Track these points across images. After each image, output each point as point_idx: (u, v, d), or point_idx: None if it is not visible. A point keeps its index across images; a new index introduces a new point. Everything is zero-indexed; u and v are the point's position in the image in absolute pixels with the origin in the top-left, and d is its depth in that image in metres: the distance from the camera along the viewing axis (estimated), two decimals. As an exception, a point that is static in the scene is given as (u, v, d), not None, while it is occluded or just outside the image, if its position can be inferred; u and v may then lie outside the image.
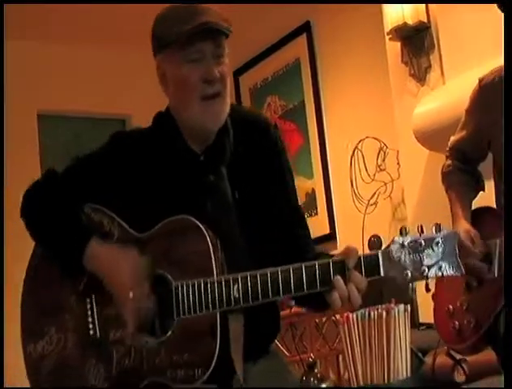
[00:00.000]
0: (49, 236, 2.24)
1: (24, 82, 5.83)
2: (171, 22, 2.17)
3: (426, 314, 3.68)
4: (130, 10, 5.58)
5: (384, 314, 1.61)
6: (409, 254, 1.93)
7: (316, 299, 2.11)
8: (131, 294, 2.10)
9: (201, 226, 2.08)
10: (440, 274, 1.92)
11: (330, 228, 5.61)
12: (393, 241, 1.94)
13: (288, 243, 2.29)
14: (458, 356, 3.27)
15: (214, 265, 2.06)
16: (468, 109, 2.99)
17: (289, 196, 2.35)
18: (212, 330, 2.04)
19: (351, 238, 5.22)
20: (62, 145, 5.75)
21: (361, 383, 1.61)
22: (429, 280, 2.12)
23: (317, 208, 5.66)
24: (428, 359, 3.53)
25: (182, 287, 2.08)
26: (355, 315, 1.64)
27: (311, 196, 5.63)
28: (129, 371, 2.11)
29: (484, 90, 2.91)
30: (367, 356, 1.61)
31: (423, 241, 1.92)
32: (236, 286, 2.03)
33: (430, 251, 1.92)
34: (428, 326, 3.67)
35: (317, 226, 5.47)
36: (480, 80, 2.94)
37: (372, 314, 1.63)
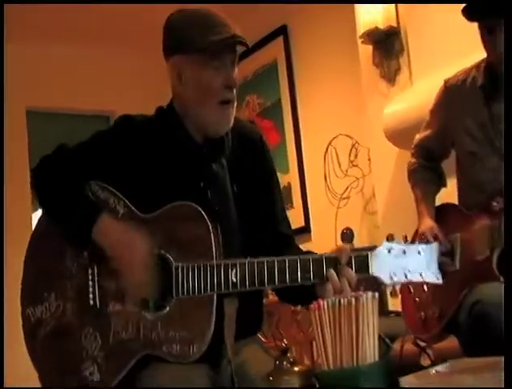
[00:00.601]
0: (61, 207, 2.24)
1: (13, 79, 5.80)
2: (198, 29, 2.23)
3: (395, 303, 3.73)
4: (116, 10, 5.55)
5: (353, 301, 1.64)
6: (395, 257, 2.03)
7: (299, 295, 2.20)
8: (136, 271, 2.12)
9: (203, 214, 2.13)
10: (421, 279, 2.03)
11: (305, 221, 5.62)
12: (381, 245, 2.04)
13: (276, 238, 2.38)
14: (423, 344, 3.33)
15: (214, 251, 2.11)
16: (433, 109, 3.01)
17: (278, 198, 2.47)
18: (209, 310, 2.09)
19: (324, 231, 5.29)
20: (50, 141, 5.71)
21: (331, 366, 1.64)
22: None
23: (292, 202, 5.69)
24: (396, 345, 3.58)
25: (183, 268, 2.12)
26: (326, 302, 1.67)
27: (287, 190, 5.64)
28: (125, 343, 2.13)
29: (449, 91, 2.92)
30: (337, 340, 1.63)
31: (407, 249, 2.03)
32: (234, 271, 2.08)
33: (413, 258, 2.03)
34: (397, 314, 3.72)
35: (292, 219, 5.43)
36: (445, 82, 2.96)
37: (342, 301, 1.65)
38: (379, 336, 1.68)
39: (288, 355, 1.75)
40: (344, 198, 5.26)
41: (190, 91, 2.26)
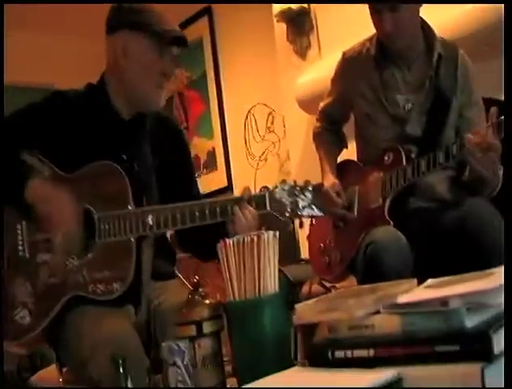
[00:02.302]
0: None
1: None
2: (152, 14, 2.23)
3: (306, 252, 3.79)
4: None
5: (255, 238, 1.65)
6: (288, 196, 2.12)
7: (202, 249, 2.25)
8: (63, 225, 2.11)
9: (120, 169, 2.14)
10: (311, 213, 2.14)
11: (228, 181, 5.64)
12: (276, 187, 2.14)
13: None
14: (328, 285, 3.39)
15: (131, 200, 2.14)
16: (333, 79, 2.98)
17: (191, 169, 2.53)
18: (129, 251, 2.10)
19: (245, 189, 5.32)
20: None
21: (237, 297, 1.66)
22: (303, 219, 2.33)
23: (216, 164, 5.68)
24: (306, 287, 3.65)
25: (104, 217, 2.13)
26: (231, 241, 1.68)
27: (211, 154, 5.65)
28: (53, 287, 2.12)
29: (347, 62, 2.90)
30: (241, 274, 1.64)
31: (298, 188, 2.13)
32: (150, 216, 2.11)
33: (303, 196, 2.12)
34: (307, 261, 3.78)
35: (216, 180, 5.55)
36: (344, 54, 2.94)
37: (246, 238, 1.67)
38: (279, 270, 1.70)
39: (200, 290, 1.75)
40: (262, 161, 5.31)
41: (133, 67, 2.24)
